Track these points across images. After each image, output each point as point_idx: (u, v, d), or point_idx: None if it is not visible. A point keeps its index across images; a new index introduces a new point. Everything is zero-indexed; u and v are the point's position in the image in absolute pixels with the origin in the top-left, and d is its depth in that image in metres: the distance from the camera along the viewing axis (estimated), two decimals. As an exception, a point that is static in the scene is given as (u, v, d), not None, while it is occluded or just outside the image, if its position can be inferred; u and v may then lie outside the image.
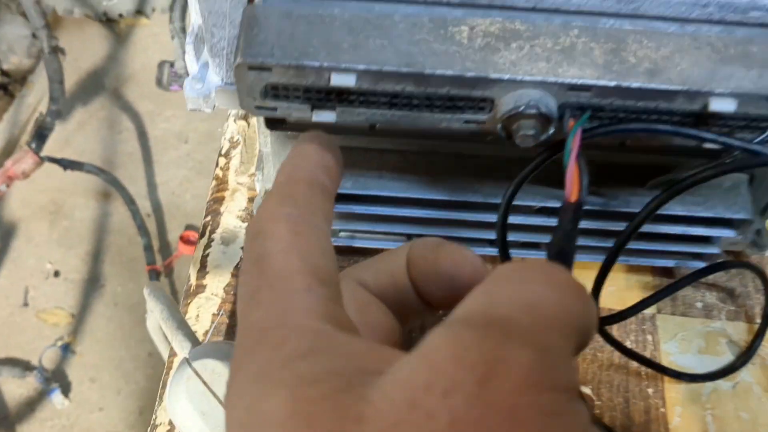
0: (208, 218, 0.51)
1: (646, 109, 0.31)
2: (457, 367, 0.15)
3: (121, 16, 2.12)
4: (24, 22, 1.94)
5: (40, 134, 1.55)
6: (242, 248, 0.49)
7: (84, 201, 1.85)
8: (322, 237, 0.22)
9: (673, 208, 0.41)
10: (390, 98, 0.31)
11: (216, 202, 0.51)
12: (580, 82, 0.30)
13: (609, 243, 0.38)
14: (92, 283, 1.73)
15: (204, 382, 0.35)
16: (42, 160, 1.59)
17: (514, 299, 0.18)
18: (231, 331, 0.45)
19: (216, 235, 0.49)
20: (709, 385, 0.45)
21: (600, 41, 0.31)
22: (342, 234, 0.46)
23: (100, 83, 2.07)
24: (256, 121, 0.46)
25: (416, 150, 0.41)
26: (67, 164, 1.68)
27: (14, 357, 1.60)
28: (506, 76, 0.30)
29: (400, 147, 0.41)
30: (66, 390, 1.56)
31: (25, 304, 1.68)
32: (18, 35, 2.01)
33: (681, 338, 0.46)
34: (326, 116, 0.32)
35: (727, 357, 0.46)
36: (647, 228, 0.42)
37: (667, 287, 0.45)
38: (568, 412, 0.16)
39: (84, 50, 2.12)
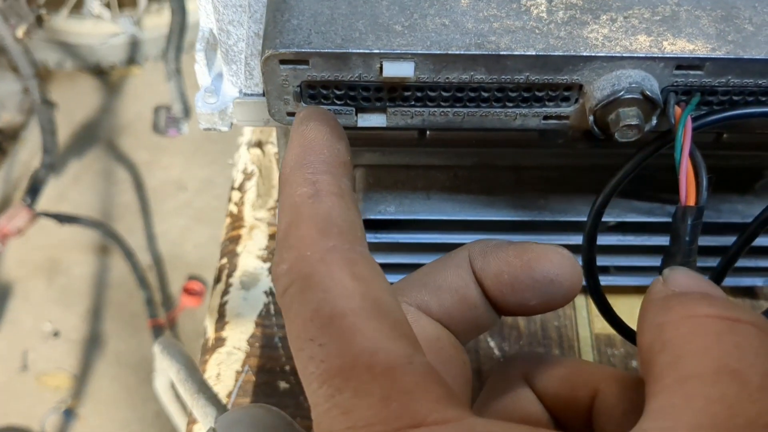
0: (224, 260, 0.45)
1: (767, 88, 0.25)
2: None
3: (112, 67, 2.09)
4: (15, 77, 1.91)
5: (34, 188, 1.50)
6: (266, 292, 0.42)
7: (81, 256, 1.80)
8: (380, 271, 0.19)
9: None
10: (454, 92, 0.25)
11: (232, 242, 0.45)
12: (692, 56, 0.24)
13: (712, 262, 0.32)
14: (93, 342, 1.67)
15: (235, 457, 0.29)
16: (36, 215, 1.54)
17: (759, 396, 0.16)
18: (258, 391, 0.39)
19: (234, 279, 0.43)
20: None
21: (706, 8, 0.25)
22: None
23: (94, 135, 2.03)
24: (277, 142, 0.40)
25: (468, 164, 0.35)
26: (62, 218, 1.63)
27: (15, 424, 1.53)
28: (601, 53, 0.24)
29: (448, 162, 0.35)
30: (68, 455, 1.49)
31: (24, 368, 1.62)
32: (9, 91, 1.98)
33: None
34: (375, 120, 0.26)
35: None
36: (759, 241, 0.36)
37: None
38: None
39: (77, 103, 2.09)
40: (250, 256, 0.44)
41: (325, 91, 0.25)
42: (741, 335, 0.17)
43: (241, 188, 0.48)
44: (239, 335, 0.41)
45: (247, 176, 0.48)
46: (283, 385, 0.39)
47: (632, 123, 0.24)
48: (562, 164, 0.35)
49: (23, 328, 1.67)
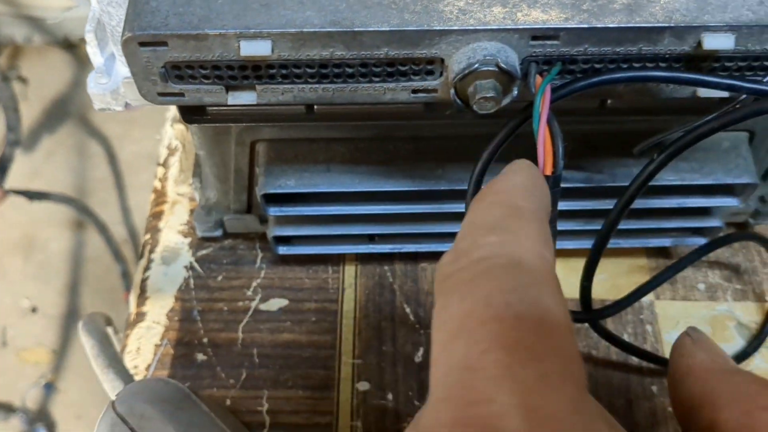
0: (148, 236, 0.45)
1: (627, 55, 0.26)
2: None
3: (81, 40, 2.06)
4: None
5: (1, 166, 1.48)
6: (186, 267, 0.43)
7: (57, 232, 1.79)
8: None
9: (665, 178, 0.36)
10: (318, 69, 0.26)
11: (155, 218, 0.46)
12: (545, 26, 0.25)
13: (597, 225, 0.33)
14: (71, 317, 1.67)
15: (132, 430, 0.30)
16: (6, 192, 1.53)
17: None
18: (176, 364, 0.39)
19: (156, 255, 0.44)
20: (722, 377, 0.39)
21: (563, -22, 0.26)
22: (295, 242, 0.40)
23: (65, 110, 2.01)
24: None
25: (368, 136, 0.36)
26: (32, 195, 1.62)
27: (-5, 400, 1.54)
28: (455, 26, 0.24)
29: (348, 134, 0.36)
30: (52, 430, 1.50)
31: (4, 344, 1.62)
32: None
33: (685, 326, 0.40)
34: (245, 98, 0.27)
35: (737, 343, 0.41)
36: (638, 203, 0.37)
37: (666, 270, 0.40)
38: None
39: (47, 78, 2.06)
40: (172, 232, 0.44)
41: (190, 71, 0.26)
42: None
43: (165, 164, 0.48)
44: (159, 309, 0.42)
45: (171, 151, 0.48)
46: (200, 357, 0.40)
47: (488, 95, 0.25)
48: (458, 134, 0.35)
49: (1, 305, 1.67)
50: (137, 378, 0.38)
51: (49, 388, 1.54)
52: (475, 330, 0.16)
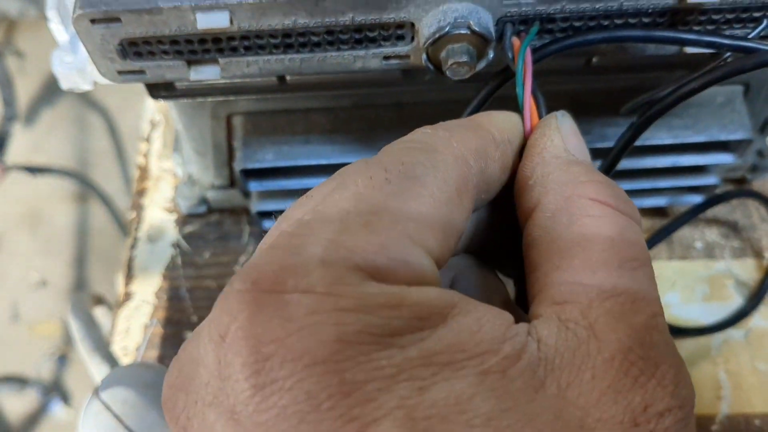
0: (134, 214, 0.45)
1: (608, 12, 0.24)
2: (663, 393, 0.17)
3: (73, 10, 2.03)
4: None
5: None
6: (172, 245, 0.42)
7: (61, 206, 1.80)
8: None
9: (659, 136, 0.35)
10: (282, 38, 0.25)
11: (140, 195, 0.45)
12: (516, -15, 0.23)
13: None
14: (80, 289, 1.68)
15: (116, 416, 0.29)
16: (7, 168, 1.53)
17: (649, 294, 0.18)
18: (166, 343, 0.39)
19: (141, 233, 0.43)
20: (718, 337, 0.39)
21: (538, -67, 0.24)
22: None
23: (62, 83, 1.99)
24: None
25: (347, 104, 0.35)
26: (34, 170, 1.62)
27: (10, 373, 1.57)
28: (421, -10, 0.23)
29: (327, 104, 0.35)
30: (67, 400, 1.52)
31: (16, 318, 1.64)
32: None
33: (682, 286, 0.40)
34: (208, 72, 0.26)
35: (735, 301, 0.40)
36: (632, 163, 0.36)
37: (662, 230, 0.39)
38: None
39: (44, 51, 2.03)
40: (157, 209, 0.44)
41: (148, 47, 0.25)
42: (635, 234, 0.19)
43: (148, 139, 0.47)
44: (147, 288, 0.41)
45: (154, 126, 0.47)
46: (189, 335, 0.39)
47: (461, 60, 0.24)
48: (441, 99, 0.34)
49: (11, 280, 1.68)
50: (125, 360, 0.37)
51: (63, 360, 1.56)
52: (348, 180, 0.19)
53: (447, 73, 0.24)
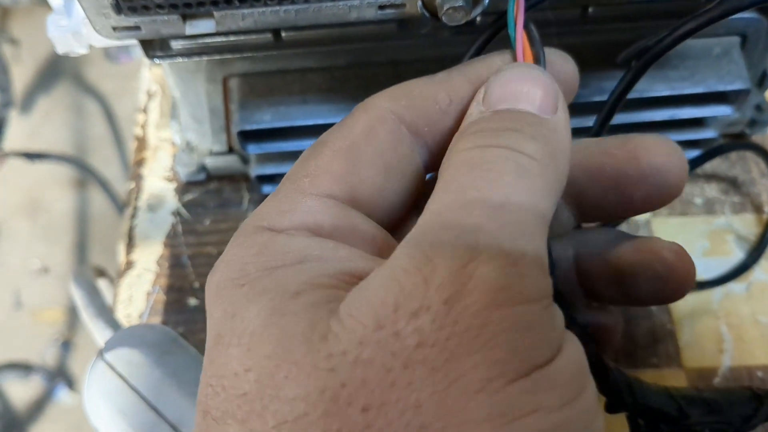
0: (133, 185, 0.45)
1: (603, -45, 0.24)
2: (424, 288, 0.15)
3: (66, -5, 2.01)
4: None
5: (-4, 129, 1.47)
6: (172, 213, 0.42)
7: (60, 192, 1.80)
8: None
9: (656, 89, 0.35)
10: (277, -11, 0.24)
11: (139, 165, 0.45)
12: (510, -73, 0.23)
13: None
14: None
15: (120, 376, 0.29)
16: (4, 155, 1.53)
17: (481, 200, 0.17)
18: (169, 309, 0.39)
19: (141, 203, 0.43)
20: (719, 291, 0.39)
21: None
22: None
23: (59, 69, 1.98)
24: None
25: (344, 63, 0.35)
26: (32, 156, 1.62)
27: (15, 360, 1.57)
28: (414, -66, 0.23)
29: (323, 63, 0.34)
30: (71, 384, 1.53)
31: (19, 305, 1.64)
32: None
33: (682, 242, 0.39)
34: (204, 26, 0.26)
35: (736, 256, 0.40)
36: (630, 117, 0.36)
37: (661, 185, 0.39)
38: (541, 323, 0.15)
39: (38, 38, 2.03)
40: (156, 178, 0.44)
41: (143, 1, 0.25)
42: (493, 160, 0.18)
43: (145, 110, 0.47)
44: (148, 257, 0.41)
45: (150, 96, 0.47)
46: (192, 302, 0.39)
47: (456, 5, 0.24)
48: (438, 55, 0.34)
49: (12, 268, 1.68)
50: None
51: (66, 346, 1.57)
52: None
53: (443, 19, 0.24)
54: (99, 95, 1.91)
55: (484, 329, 0.15)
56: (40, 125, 1.89)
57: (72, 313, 1.60)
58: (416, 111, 0.21)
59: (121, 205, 1.67)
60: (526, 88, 0.20)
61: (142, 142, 0.46)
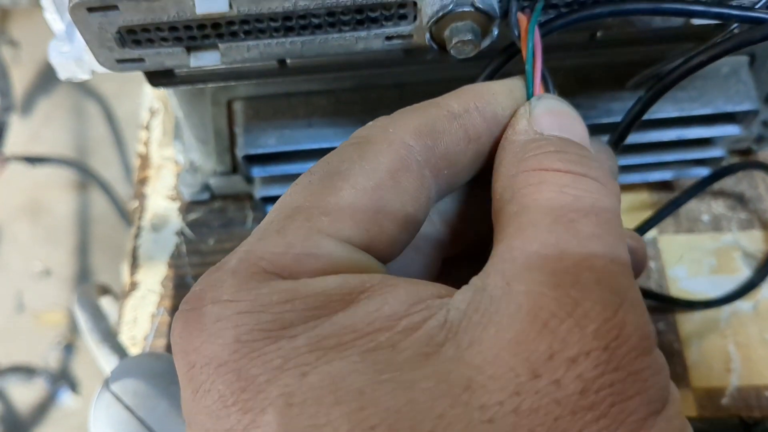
0: (136, 203, 0.44)
1: (613, -15, 0.24)
2: (580, 334, 0.15)
3: (66, -3, 2.01)
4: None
5: (-3, 134, 1.47)
6: (176, 233, 0.42)
7: (61, 195, 1.80)
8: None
9: (664, 110, 0.34)
10: (282, 21, 0.24)
11: (142, 184, 0.45)
12: (520, -39, 0.23)
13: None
14: (84, 277, 1.69)
15: (127, 407, 0.29)
16: (6, 159, 1.52)
17: (598, 243, 0.17)
18: (173, 329, 0.39)
19: (145, 222, 0.43)
20: (726, 310, 0.38)
21: None
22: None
23: (58, 71, 1.98)
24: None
25: (349, 86, 0.34)
26: (33, 160, 1.62)
27: (18, 363, 1.57)
28: (422, -33, 0.23)
29: (328, 86, 0.34)
30: (75, 388, 1.53)
31: (21, 308, 1.65)
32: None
33: (689, 260, 0.40)
34: (209, 58, 0.25)
35: (743, 273, 0.40)
36: (638, 137, 0.36)
37: (669, 204, 0.39)
38: (665, 366, 0.16)
39: (38, 40, 2.03)
40: (159, 197, 0.43)
41: (147, 35, 0.24)
42: (582, 188, 0.18)
43: (148, 127, 0.47)
44: (153, 277, 0.41)
45: (153, 113, 0.47)
46: (197, 322, 0.39)
47: (466, 39, 0.23)
48: (444, 78, 0.33)
49: (15, 270, 1.68)
50: (134, 350, 0.37)
51: (69, 348, 1.57)
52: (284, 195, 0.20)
53: (451, 52, 0.24)
54: (99, 97, 1.91)
55: (640, 374, 0.15)
56: (40, 127, 1.89)
57: (73, 316, 1.60)
58: (440, 152, 0.20)
59: (122, 207, 1.67)
60: (569, 121, 0.20)
61: (145, 160, 0.45)
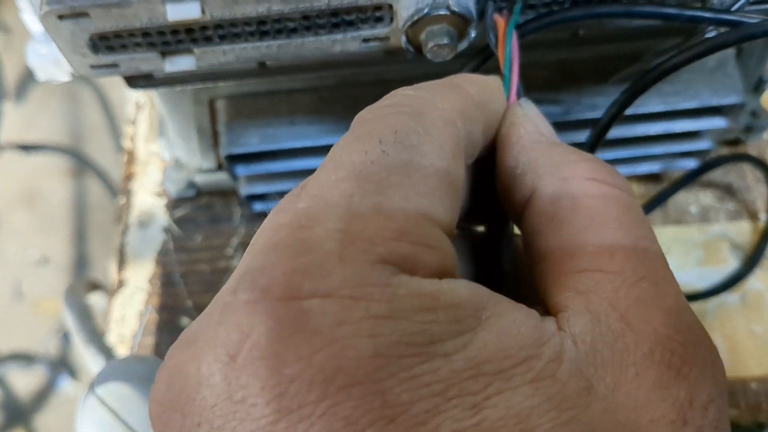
0: (123, 200, 0.44)
1: (590, -15, 0.24)
2: (706, 383, 0.15)
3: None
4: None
5: (-11, 121, 1.46)
6: (164, 230, 0.42)
7: (57, 182, 1.79)
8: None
9: (650, 103, 0.34)
10: (257, 26, 0.24)
11: (129, 180, 0.44)
12: (496, -37, 0.23)
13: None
14: (82, 265, 1.69)
15: (112, 411, 0.29)
16: (0, 147, 1.52)
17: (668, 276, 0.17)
18: (162, 330, 0.39)
19: (132, 219, 0.43)
20: (713, 301, 0.39)
21: None
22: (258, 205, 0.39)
23: (50, 57, 1.96)
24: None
25: (332, 84, 0.34)
26: (28, 148, 1.61)
27: (17, 350, 1.58)
28: (396, -29, 0.22)
29: (311, 84, 0.34)
30: (74, 374, 1.54)
31: (19, 296, 1.65)
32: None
33: (677, 252, 0.40)
34: (184, 63, 0.25)
35: (731, 265, 0.40)
36: (624, 131, 0.35)
37: (657, 196, 0.39)
38: None
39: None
40: (146, 194, 0.43)
41: (120, 41, 0.24)
42: (636, 207, 0.18)
43: (134, 122, 0.46)
44: (140, 275, 0.41)
45: (139, 108, 0.47)
46: (185, 321, 0.39)
47: (442, 42, 0.23)
48: (426, 74, 0.33)
49: (12, 258, 1.68)
50: (122, 348, 0.38)
51: (68, 336, 1.57)
52: (341, 159, 0.16)
53: (428, 55, 0.24)
54: (93, 83, 1.90)
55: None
56: (35, 114, 1.87)
57: (64, 319, 1.60)
58: (472, 140, 0.19)
59: (117, 193, 1.67)
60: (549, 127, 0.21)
61: (131, 156, 0.45)
